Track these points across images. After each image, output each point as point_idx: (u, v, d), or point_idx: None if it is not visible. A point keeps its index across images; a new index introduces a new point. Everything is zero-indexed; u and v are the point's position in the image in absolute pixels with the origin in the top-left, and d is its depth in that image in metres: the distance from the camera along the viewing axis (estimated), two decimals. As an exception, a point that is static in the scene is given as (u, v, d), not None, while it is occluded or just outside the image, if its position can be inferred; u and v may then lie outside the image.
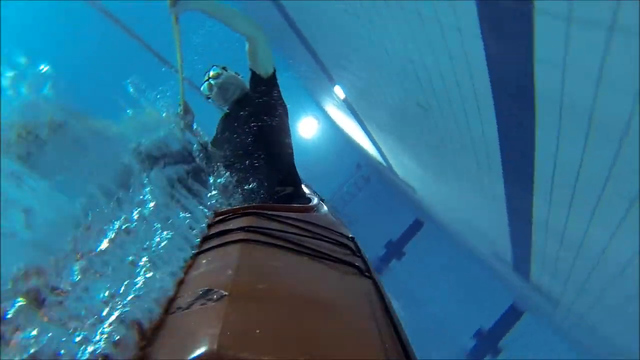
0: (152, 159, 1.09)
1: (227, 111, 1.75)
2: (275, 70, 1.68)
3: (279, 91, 1.71)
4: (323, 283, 0.70)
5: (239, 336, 0.46)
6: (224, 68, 1.75)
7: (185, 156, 1.31)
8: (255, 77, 1.64)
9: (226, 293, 0.54)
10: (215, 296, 0.54)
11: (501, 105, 1.77)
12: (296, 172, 1.63)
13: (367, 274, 0.80)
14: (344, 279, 0.74)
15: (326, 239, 0.87)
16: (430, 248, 7.32)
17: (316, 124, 8.71)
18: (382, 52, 2.49)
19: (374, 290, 0.74)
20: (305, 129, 8.75)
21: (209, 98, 1.76)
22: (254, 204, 1.19)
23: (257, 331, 0.47)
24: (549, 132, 1.61)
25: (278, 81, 1.71)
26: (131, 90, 1.41)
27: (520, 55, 1.40)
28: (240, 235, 0.75)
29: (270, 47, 1.66)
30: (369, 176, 8.96)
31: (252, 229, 0.78)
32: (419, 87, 2.39)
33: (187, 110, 1.66)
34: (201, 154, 1.43)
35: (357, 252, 0.90)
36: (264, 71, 1.63)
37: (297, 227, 0.87)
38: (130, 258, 0.58)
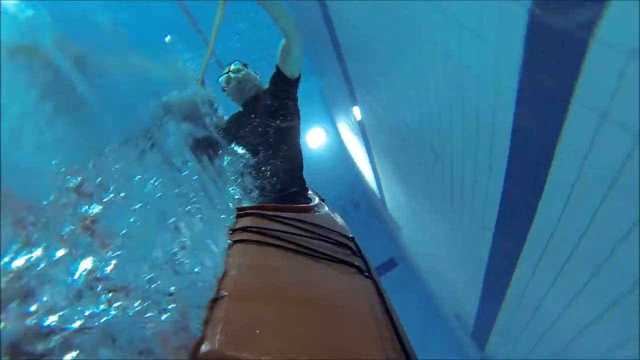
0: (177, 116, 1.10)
1: (241, 108, 1.78)
2: (300, 75, 1.71)
3: (296, 95, 1.74)
4: (323, 283, 0.71)
5: (239, 336, 0.46)
6: (245, 65, 1.77)
7: (205, 123, 1.32)
8: (279, 75, 1.66)
9: (226, 293, 0.54)
10: (215, 296, 0.53)
11: (512, 174, 1.80)
12: (302, 173, 1.64)
13: (367, 274, 0.81)
14: (344, 279, 0.75)
15: (326, 239, 0.88)
16: (396, 291, 7.29)
17: (324, 136, 8.74)
18: (414, 90, 2.53)
19: (374, 290, 0.76)
20: (312, 138, 8.78)
21: (224, 90, 1.77)
22: (255, 204, 1.19)
23: (257, 331, 0.47)
24: (550, 214, 1.64)
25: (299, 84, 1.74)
26: (168, 41, 1.41)
27: (546, 133, 1.44)
28: (242, 236, 0.75)
29: (303, 53, 1.69)
30: (359, 202, 8.97)
31: (253, 229, 0.79)
32: (438, 132, 2.43)
33: (202, 85, 1.67)
34: (219, 130, 1.43)
35: (357, 252, 0.92)
36: (290, 72, 1.66)
37: (298, 227, 0.87)
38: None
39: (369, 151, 5.46)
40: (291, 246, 0.76)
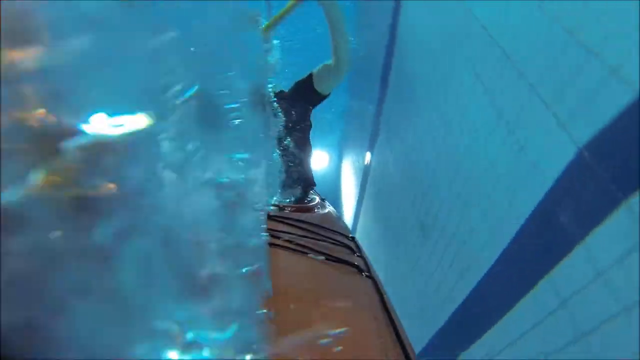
0: None
1: None
2: (329, 95, 1.75)
3: (316, 106, 1.79)
4: (324, 283, 0.73)
5: None
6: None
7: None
8: (308, 84, 1.69)
9: None
10: None
11: (489, 281, 1.83)
12: (312, 173, 1.74)
13: (366, 273, 0.84)
14: (344, 279, 0.78)
15: (327, 239, 0.90)
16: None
17: (326, 161, 8.73)
18: (434, 162, 2.59)
19: (374, 290, 0.78)
20: (313, 158, 8.75)
21: None
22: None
23: None
24: (510, 331, 1.64)
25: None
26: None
27: (541, 262, 1.47)
28: None
29: (342, 81, 1.76)
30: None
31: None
32: (436, 213, 2.47)
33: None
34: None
35: (357, 251, 0.96)
36: (322, 88, 1.71)
37: (300, 227, 0.90)
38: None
39: (361, 197, 5.49)
40: (293, 246, 0.76)
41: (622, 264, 1.13)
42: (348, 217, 6.36)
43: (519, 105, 1.62)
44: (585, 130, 1.27)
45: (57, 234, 0.33)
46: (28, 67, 0.35)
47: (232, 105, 0.55)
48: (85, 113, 0.39)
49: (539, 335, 1.49)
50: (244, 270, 0.47)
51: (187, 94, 0.50)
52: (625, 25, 1.10)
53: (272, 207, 1.02)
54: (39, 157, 0.34)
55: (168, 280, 0.40)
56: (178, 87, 0.47)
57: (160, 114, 0.45)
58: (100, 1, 0.43)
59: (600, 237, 1.23)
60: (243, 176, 0.54)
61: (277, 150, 1.45)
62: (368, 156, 5.12)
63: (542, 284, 1.45)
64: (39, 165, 0.34)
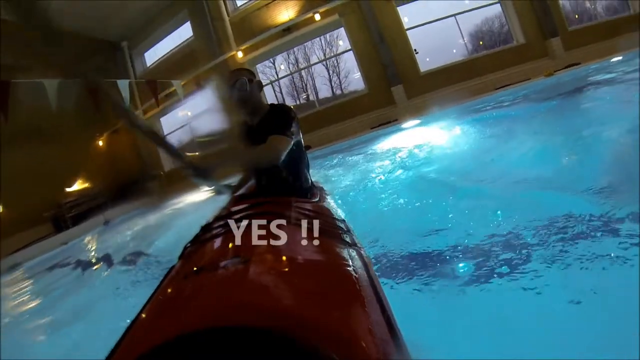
0: None
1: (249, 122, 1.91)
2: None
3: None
4: (320, 253, 0.97)
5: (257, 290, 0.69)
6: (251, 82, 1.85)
7: None
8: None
9: (248, 259, 0.77)
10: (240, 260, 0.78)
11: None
12: (306, 180, 1.92)
13: (354, 246, 1.10)
14: (335, 249, 1.03)
15: (324, 221, 1.19)
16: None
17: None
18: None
19: (359, 257, 1.03)
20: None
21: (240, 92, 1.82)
22: (277, 196, 1.52)
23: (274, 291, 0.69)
24: None
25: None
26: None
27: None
28: (266, 217, 1.07)
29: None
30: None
31: (272, 212, 1.16)
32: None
33: None
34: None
35: (347, 231, 1.25)
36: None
37: (305, 213, 1.22)
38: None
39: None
40: (298, 223, 1.09)
41: None
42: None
43: None
44: None
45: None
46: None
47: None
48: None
49: None
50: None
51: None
52: None
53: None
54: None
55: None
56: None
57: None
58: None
59: None
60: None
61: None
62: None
63: None
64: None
